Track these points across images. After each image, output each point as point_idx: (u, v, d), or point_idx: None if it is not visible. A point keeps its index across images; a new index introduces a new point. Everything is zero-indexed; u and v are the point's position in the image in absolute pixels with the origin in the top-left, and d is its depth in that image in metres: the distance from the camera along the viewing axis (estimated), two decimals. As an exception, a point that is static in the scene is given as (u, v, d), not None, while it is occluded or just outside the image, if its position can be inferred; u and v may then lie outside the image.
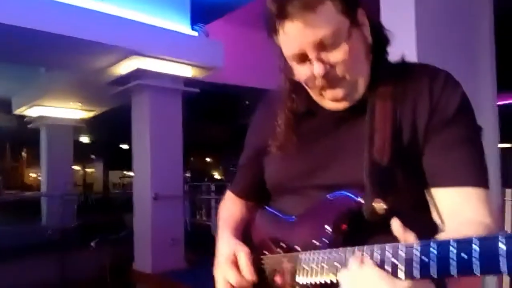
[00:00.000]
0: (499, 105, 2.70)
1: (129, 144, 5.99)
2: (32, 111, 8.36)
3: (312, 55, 0.77)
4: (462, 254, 0.50)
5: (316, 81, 0.80)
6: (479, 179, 0.76)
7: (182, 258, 5.45)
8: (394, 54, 0.90)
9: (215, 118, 10.15)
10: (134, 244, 5.57)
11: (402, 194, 0.76)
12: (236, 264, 0.87)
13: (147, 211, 5.33)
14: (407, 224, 0.62)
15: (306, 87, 0.86)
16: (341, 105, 0.84)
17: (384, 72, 0.85)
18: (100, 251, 5.05)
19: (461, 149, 0.77)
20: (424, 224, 0.76)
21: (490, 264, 0.48)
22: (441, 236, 0.66)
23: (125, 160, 8.04)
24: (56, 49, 4.82)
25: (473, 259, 0.49)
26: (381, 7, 2.02)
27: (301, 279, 0.78)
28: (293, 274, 0.80)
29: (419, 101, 0.80)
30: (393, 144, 0.77)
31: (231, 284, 0.87)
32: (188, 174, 11.71)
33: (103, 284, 5.04)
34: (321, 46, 0.76)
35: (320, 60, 0.77)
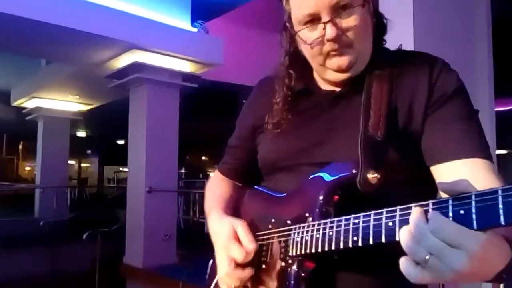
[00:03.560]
0: (495, 111, 2.71)
1: (125, 140, 5.98)
2: (30, 103, 8.34)
3: (326, 18, 0.78)
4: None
5: (324, 46, 0.80)
6: (485, 151, 0.75)
7: (174, 254, 5.42)
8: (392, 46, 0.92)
9: (212, 117, 10.16)
10: (126, 238, 5.54)
11: (395, 169, 0.76)
12: (238, 239, 0.86)
13: (141, 205, 5.30)
14: (399, 198, 0.60)
15: (309, 57, 0.86)
16: (342, 76, 0.84)
17: (383, 55, 0.87)
18: (91, 244, 5.03)
19: (463, 123, 0.77)
20: (415, 201, 0.75)
21: None
22: None
23: (120, 156, 8.01)
24: (57, 41, 4.82)
25: None
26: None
27: (294, 252, 0.77)
28: (286, 248, 0.80)
29: (418, 84, 0.81)
30: (388, 121, 0.78)
31: (235, 262, 0.84)
32: (183, 171, 11.67)
33: (93, 277, 5.02)
34: (336, 9, 0.77)
35: (333, 23, 0.78)
